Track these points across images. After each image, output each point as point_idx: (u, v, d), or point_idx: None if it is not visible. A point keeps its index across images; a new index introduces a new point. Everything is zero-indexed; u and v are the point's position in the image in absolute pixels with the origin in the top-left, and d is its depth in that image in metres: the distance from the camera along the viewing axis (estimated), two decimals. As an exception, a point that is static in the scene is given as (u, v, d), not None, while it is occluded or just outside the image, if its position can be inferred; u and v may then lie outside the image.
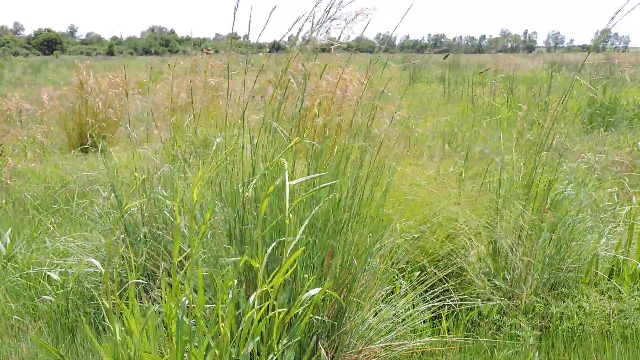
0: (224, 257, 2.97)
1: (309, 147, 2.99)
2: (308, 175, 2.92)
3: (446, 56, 6.27)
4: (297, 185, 2.71)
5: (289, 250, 2.07)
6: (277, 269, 2.15)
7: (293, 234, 2.24)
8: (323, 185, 2.57)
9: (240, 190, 2.89)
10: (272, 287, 2.09)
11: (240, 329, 2.13)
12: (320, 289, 2.23)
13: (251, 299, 2.03)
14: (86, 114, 8.67)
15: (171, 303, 2.07)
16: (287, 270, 2.01)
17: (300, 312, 2.21)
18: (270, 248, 2.10)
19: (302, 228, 2.27)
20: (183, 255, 2.14)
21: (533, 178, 3.81)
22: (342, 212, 2.92)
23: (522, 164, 4.02)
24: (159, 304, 3.35)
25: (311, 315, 2.72)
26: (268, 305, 2.15)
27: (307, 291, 2.17)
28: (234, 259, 2.71)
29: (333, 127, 3.28)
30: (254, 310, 2.05)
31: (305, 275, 2.60)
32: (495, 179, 4.09)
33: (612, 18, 3.41)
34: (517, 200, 3.83)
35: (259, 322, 2.12)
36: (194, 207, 2.02)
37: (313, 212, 2.65)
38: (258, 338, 2.16)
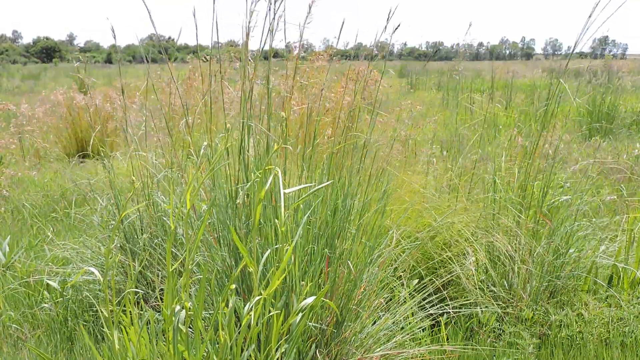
0: (219, 263, 2.98)
1: (305, 153, 3.00)
2: (301, 178, 2.94)
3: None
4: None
5: (284, 257, 2.07)
6: (272, 271, 2.15)
7: (288, 241, 2.24)
8: (315, 188, 2.56)
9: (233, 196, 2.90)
10: (268, 294, 2.08)
11: (236, 335, 2.12)
12: (315, 297, 2.23)
13: (248, 305, 2.03)
14: (80, 124, 8.72)
15: (167, 311, 2.07)
16: (282, 276, 2.01)
17: (297, 320, 2.21)
18: (265, 256, 2.10)
19: (299, 232, 2.27)
20: (178, 262, 2.13)
21: (528, 184, 3.82)
22: (339, 220, 2.92)
23: (516, 170, 4.02)
24: (159, 312, 3.35)
25: (309, 323, 2.72)
26: (265, 312, 2.15)
27: (304, 299, 2.17)
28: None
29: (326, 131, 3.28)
30: (249, 315, 2.05)
31: (303, 283, 2.60)
32: (490, 186, 4.09)
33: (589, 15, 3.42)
34: (513, 207, 3.83)
35: (255, 327, 2.11)
36: (187, 213, 2.02)
37: (306, 216, 2.65)
38: (254, 345, 2.16)
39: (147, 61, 3.54)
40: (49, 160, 8.28)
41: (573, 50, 3.64)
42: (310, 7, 2.78)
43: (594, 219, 4.33)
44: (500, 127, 8.59)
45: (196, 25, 2.95)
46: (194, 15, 2.97)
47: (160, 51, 3.52)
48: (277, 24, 2.89)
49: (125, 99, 4.10)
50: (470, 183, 4.45)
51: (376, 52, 3.17)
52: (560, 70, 3.81)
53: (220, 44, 3.18)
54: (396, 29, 2.94)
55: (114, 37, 3.35)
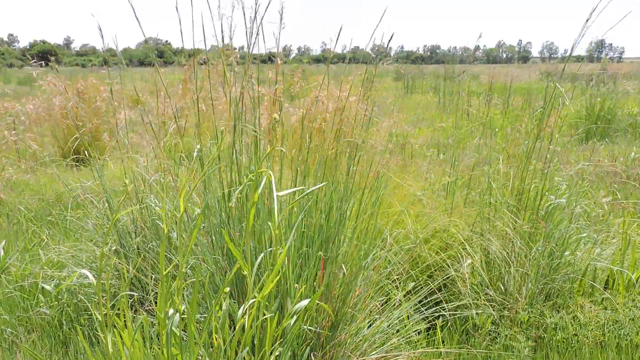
0: (212, 267, 2.97)
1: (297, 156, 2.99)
2: (295, 182, 2.94)
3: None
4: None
5: (277, 259, 2.06)
6: (266, 275, 2.14)
7: (282, 244, 2.24)
8: (308, 191, 2.56)
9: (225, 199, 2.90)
10: (262, 297, 2.08)
11: (230, 338, 2.12)
12: (310, 299, 2.22)
13: (242, 308, 2.03)
14: (76, 120, 8.69)
15: (161, 314, 2.06)
16: (276, 278, 2.00)
17: (292, 323, 2.20)
18: (260, 258, 2.10)
19: (292, 235, 2.26)
20: (172, 266, 2.13)
21: (524, 187, 3.81)
22: (333, 223, 2.91)
23: (512, 173, 4.02)
24: (154, 315, 3.34)
25: (304, 327, 2.71)
26: (259, 315, 2.15)
27: (298, 302, 2.16)
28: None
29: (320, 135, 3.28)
30: (244, 318, 2.05)
31: (297, 286, 2.59)
32: (486, 189, 4.09)
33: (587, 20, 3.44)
34: (509, 210, 3.83)
35: (249, 330, 2.11)
36: (180, 217, 2.02)
37: (300, 218, 2.65)
38: (248, 348, 2.15)
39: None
40: (44, 164, 8.26)
41: (570, 53, 3.65)
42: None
43: (589, 222, 4.33)
44: (497, 130, 8.61)
45: (181, 32, 2.95)
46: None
47: (157, 55, 3.51)
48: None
49: (113, 102, 4.09)
50: (467, 186, 4.46)
51: (373, 55, 3.16)
52: (556, 74, 3.80)
53: (217, 48, 3.17)
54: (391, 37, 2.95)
55: (102, 37, 3.34)
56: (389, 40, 3.00)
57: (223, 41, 2.98)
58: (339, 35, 2.88)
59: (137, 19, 3.05)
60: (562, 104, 3.74)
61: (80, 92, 9.06)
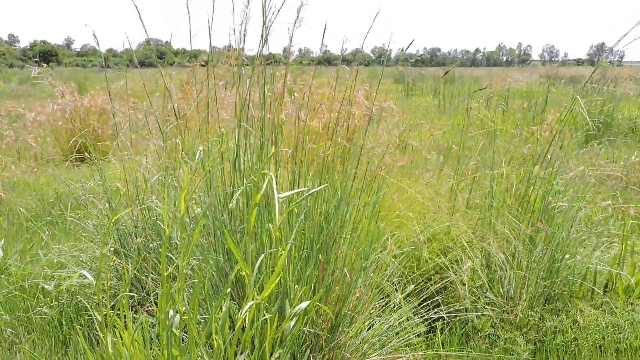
0: (213, 268, 2.97)
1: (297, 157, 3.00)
2: (292, 183, 2.94)
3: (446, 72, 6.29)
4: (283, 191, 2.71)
5: (278, 261, 2.06)
6: (265, 275, 2.15)
7: (282, 246, 2.24)
8: (308, 192, 2.56)
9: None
10: (262, 298, 2.08)
11: (230, 339, 2.12)
12: (309, 301, 2.22)
13: (243, 310, 2.03)
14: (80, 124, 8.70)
15: (161, 315, 2.06)
16: (276, 280, 2.00)
17: (291, 325, 2.20)
18: (260, 260, 2.10)
19: (292, 236, 2.26)
20: (173, 267, 2.13)
21: (527, 191, 3.81)
22: (333, 225, 2.91)
23: (514, 177, 4.02)
24: (154, 316, 3.34)
25: (304, 328, 2.71)
26: (259, 317, 2.15)
27: (298, 304, 2.16)
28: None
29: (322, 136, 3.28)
30: (243, 319, 2.05)
31: (297, 287, 2.59)
32: (488, 192, 4.09)
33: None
34: (511, 213, 3.83)
35: (249, 331, 2.11)
36: (182, 218, 2.02)
37: (300, 220, 2.65)
38: (248, 350, 2.15)
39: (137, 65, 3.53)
40: (45, 164, 8.26)
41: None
42: (298, 12, 2.77)
43: (590, 226, 4.33)
44: (498, 133, 8.60)
45: (190, 31, 2.96)
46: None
47: (157, 55, 3.51)
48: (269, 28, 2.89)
49: (112, 103, 4.09)
50: (470, 189, 4.46)
51: (373, 57, 3.16)
52: (557, 77, 3.81)
53: (217, 49, 3.17)
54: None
55: (97, 44, 3.35)
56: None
57: (241, 42, 2.98)
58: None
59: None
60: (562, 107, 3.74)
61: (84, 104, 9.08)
